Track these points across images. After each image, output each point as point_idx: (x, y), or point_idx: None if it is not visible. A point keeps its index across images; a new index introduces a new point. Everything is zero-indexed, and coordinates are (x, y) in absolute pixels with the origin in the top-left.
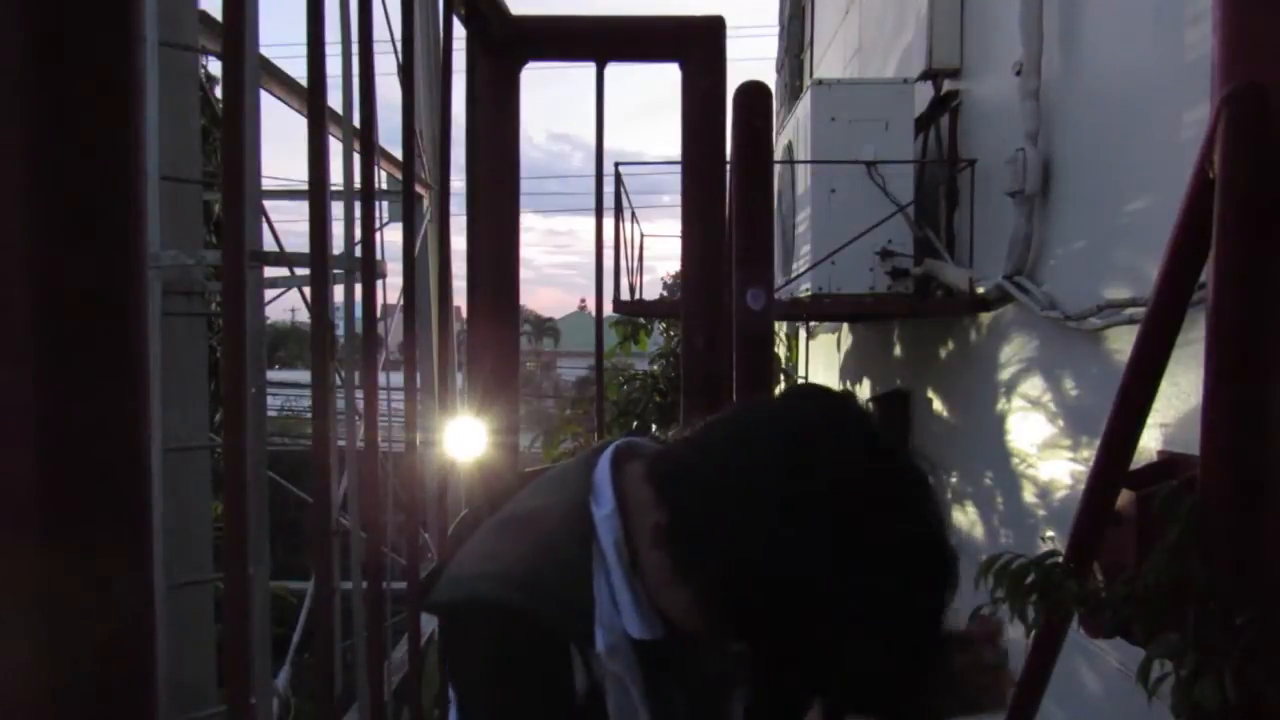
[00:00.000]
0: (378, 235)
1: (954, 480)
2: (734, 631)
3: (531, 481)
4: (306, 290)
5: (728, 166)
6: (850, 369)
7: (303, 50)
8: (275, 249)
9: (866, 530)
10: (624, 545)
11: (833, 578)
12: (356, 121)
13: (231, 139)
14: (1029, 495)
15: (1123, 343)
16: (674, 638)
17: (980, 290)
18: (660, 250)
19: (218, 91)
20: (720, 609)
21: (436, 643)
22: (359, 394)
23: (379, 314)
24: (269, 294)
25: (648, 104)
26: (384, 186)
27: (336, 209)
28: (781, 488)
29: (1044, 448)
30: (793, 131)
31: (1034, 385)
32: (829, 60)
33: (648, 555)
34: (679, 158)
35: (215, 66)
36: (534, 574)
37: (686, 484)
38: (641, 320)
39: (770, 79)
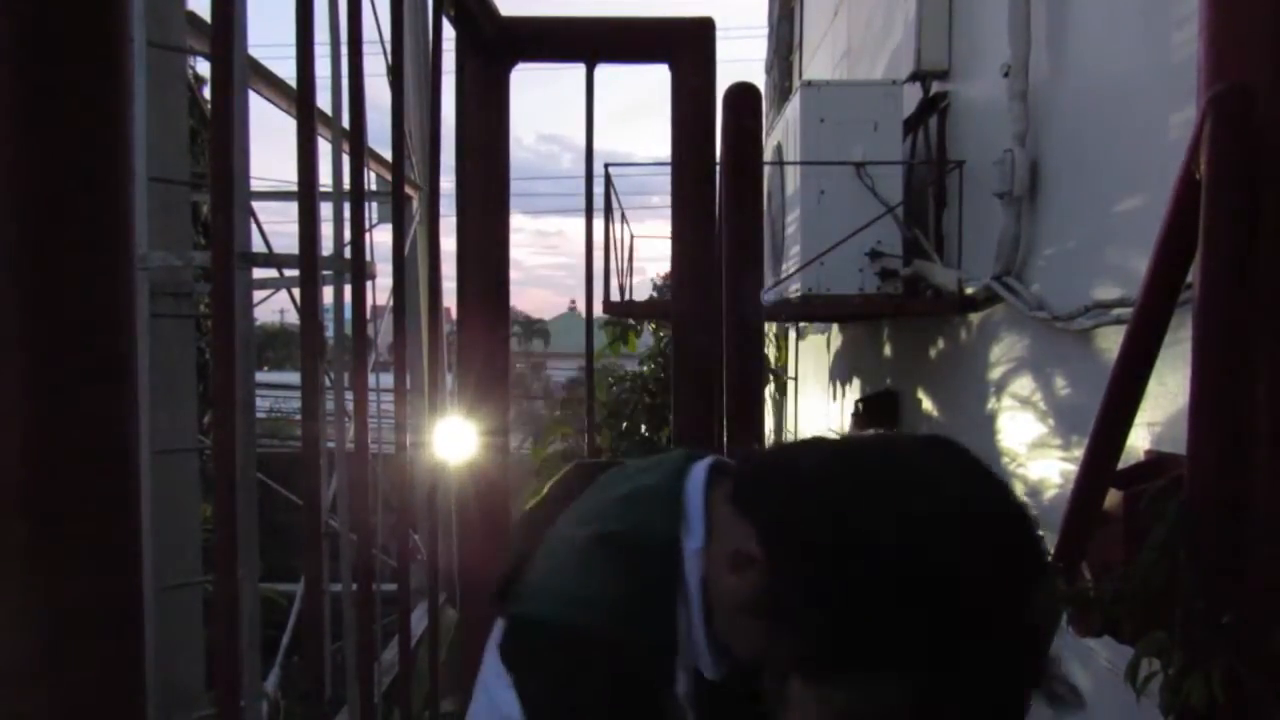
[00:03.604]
0: (367, 236)
1: None
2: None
3: (604, 480)
4: (295, 291)
5: (717, 168)
6: (840, 369)
7: (291, 51)
8: (264, 250)
9: (992, 629)
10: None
11: (934, 663)
12: (345, 122)
13: (220, 140)
14: (1018, 495)
15: (1111, 343)
16: (733, 678)
17: (969, 291)
18: (650, 252)
19: (206, 92)
20: (802, 658)
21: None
22: (348, 395)
23: (368, 315)
24: (257, 295)
25: (637, 106)
26: (373, 188)
27: (325, 210)
28: (903, 564)
29: (1033, 447)
30: (782, 133)
31: (1022, 385)
32: (818, 62)
33: (723, 580)
34: (668, 159)
35: (203, 67)
36: (625, 606)
37: (785, 524)
38: (631, 321)
39: (759, 80)
